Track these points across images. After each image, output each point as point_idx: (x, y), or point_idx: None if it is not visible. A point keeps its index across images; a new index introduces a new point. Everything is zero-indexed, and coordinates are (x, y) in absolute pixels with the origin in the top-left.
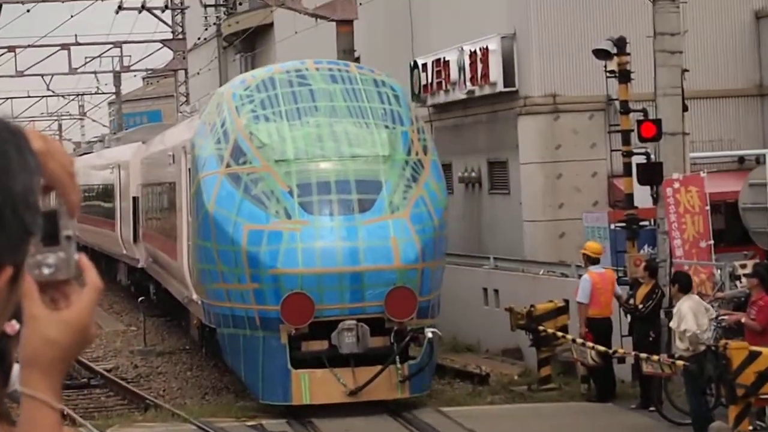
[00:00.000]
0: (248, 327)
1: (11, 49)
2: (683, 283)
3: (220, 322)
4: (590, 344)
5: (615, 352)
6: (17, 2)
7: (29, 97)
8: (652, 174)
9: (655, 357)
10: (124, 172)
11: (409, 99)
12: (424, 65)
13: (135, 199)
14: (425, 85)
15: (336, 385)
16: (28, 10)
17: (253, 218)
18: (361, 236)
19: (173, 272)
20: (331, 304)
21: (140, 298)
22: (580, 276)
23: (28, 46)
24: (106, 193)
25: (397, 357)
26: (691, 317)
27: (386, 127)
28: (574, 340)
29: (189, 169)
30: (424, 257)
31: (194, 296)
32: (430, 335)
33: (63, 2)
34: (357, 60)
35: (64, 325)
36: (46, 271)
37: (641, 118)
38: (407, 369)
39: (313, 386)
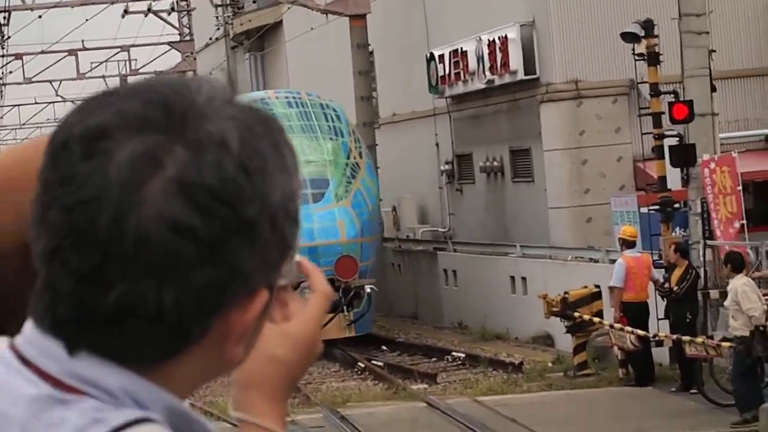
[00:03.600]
0: None
1: (19, 56)
2: (736, 262)
3: None
4: (629, 329)
5: (655, 335)
6: (26, 9)
7: (36, 103)
8: (685, 156)
9: (699, 339)
10: None
11: (348, 116)
12: (441, 56)
13: None
14: (442, 77)
15: None
16: (39, 17)
17: None
18: (315, 219)
19: None
20: None
21: None
22: (611, 261)
23: (38, 53)
24: None
25: (345, 307)
26: (754, 296)
27: (330, 139)
28: (611, 325)
29: None
30: (363, 234)
31: None
32: (368, 290)
33: (72, 8)
34: (371, 54)
35: (290, 339)
36: None
37: (672, 100)
38: (352, 315)
39: None
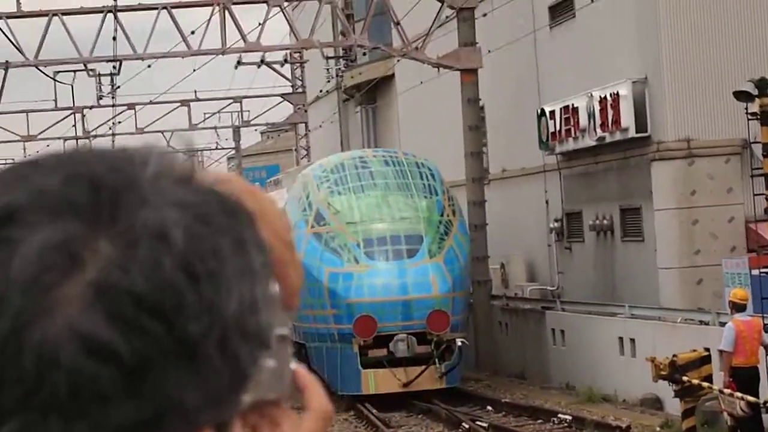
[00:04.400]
0: (329, 341)
1: (131, 106)
2: None
3: (308, 338)
4: (739, 394)
5: (766, 402)
6: (137, 58)
7: None
8: None
9: None
10: None
11: (442, 175)
12: (552, 112)
13: None
14: (553, 133)
15: (393, 380)
16: (149, 66)
17: (332, 263)
18: (409, 275)
19: None
20: (388, 322)
21: None
22: (721, 324)
23: (149, 102)
24: None
25: (436, 359)
26: None
27: (425, 197)
28: (721, 391)
29: None
30: (455, 288)
31: None
32: (459, 343)
33: (183, 58)
34: (482, 108)
35: None
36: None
37: None
38: (443, 368)
39: (377, 381)
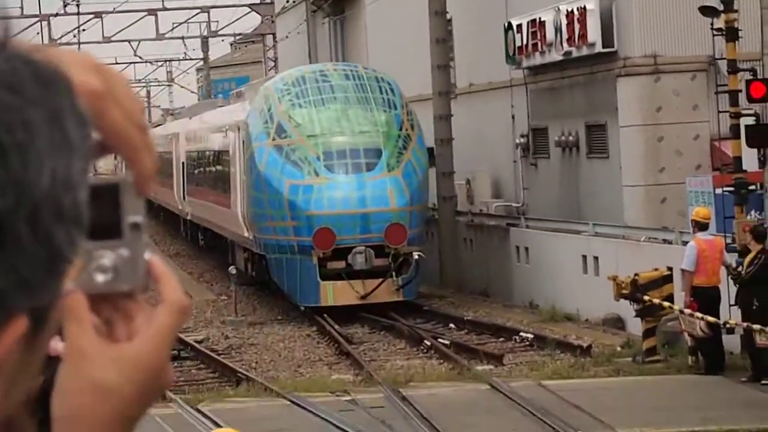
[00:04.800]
0: (289, 252)
1: (98, 15)
2: None
3: (268, 250)
4: (699, 315)
5: (726, 323)
6: None
7: (117, 63)
8: (761, 136)
9: None
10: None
11: (401, 89)
12: (519, 26)
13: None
14: (520, 47)
15: (351, 292)
16: None
17: (293, 176)
18: (368, 188)
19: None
20: (347, 235)
21: (230, 267)
22: (684, 243)
23: (114, 11)
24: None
25: (394, 272)
26: None
27: (384, 111)
28: (681, 311)
29: (243, 141)
30: (412, 202)
31: (246, 233)
32: (416, 256)
33: None
34: (449, 21)
35: (125, 364)
36: (99, 278)
37: (750, 77)
38: (401, 280)
39: (335, 293)
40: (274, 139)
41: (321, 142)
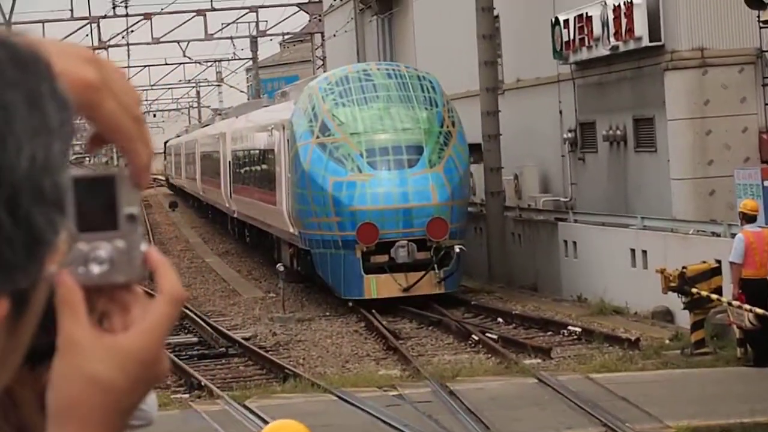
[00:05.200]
0: (333, 247)
1: (147, 16)
2: None
3: (313, 245)
4: (747, 306)
5: None
6: None
7: (167, 64)
8: None
9: None
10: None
11: (442, 87)
12: (566, 21)
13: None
14: (567, 42)
15: (394, 285)
16: None
17: (336, 173)
18: (410, 183)
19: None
20: (390, 230)
21: (278, 264)
22: (732, 235)
23: (163, 12)
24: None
25: (435, 265)
26: None
27: (426, 108)
28: (729, 303)
29: (288, 140)
30: (453, 197)
31: (291, 229)
32: (458, 250)
33: None
34: (496, 18)
35: (119, 355)
36: (95, 269)
37: None
38: (442, 273)
39: (379, 286)
40: (318, 138)
41: (364, 140)
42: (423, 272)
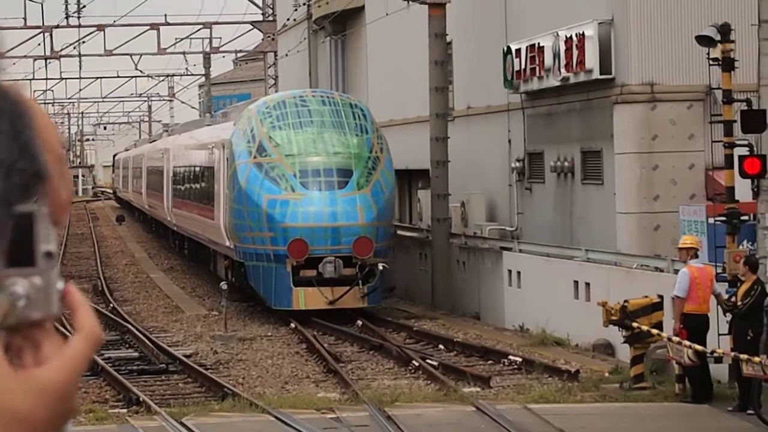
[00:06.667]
0: (266, 260)
1: (100, 27)
2: None
3: (247, 258)
4: (687, 343)
5: (713, 352)
6: None
7: (119, 77)
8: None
9: (757, 359)
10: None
11: (372, 116)
12: (518, 51)
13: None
14: (518, 71)
15: (320, 297)
16: None
17: (271, 191)
18: (339, 204)
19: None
20: (319, 246)
21: (222, 283)
22: (676, 271)
23: (117, 24)
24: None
25: (360, 281)
26: None
27: (357, 134)
28: (669, 338)
29: (227, 158)
30: (379, 218)
31: (227, 242)
32: (381, 267)
33: None
34: (449, 44)
35: (37, 391)
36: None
37: (744, 108)
38: (366, 289)
39: (306, 298)
40: (255, 157)
41: (298, 161)
42: (348, 287)
